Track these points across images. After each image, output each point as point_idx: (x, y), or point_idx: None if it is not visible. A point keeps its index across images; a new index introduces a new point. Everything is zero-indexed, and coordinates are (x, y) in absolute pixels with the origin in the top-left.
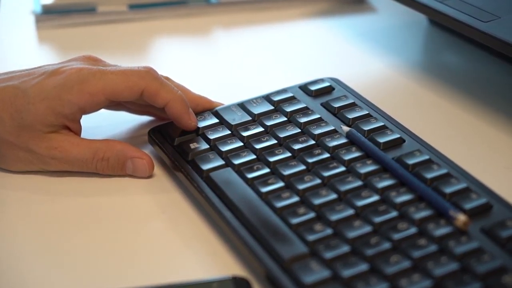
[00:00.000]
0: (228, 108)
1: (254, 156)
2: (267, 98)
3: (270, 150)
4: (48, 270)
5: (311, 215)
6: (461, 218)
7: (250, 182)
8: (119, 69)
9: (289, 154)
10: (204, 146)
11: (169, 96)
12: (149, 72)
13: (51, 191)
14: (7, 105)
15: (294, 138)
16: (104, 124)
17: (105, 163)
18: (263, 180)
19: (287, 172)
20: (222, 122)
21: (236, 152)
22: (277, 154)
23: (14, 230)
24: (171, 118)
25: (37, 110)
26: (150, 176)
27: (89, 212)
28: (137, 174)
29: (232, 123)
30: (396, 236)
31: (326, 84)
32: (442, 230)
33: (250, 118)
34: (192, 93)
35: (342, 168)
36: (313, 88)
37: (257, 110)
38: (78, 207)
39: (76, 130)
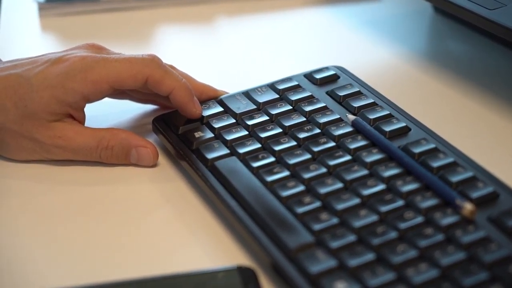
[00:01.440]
0: (233, 96)
1: (259, 145)
2: (272, 86)
3: (275, 139)
4: (52, 260)
5: (317, 204)
6: (468, 207)
7: (255, 171)
8: (123, 57)
9: (294, 143)
10: (209, 135)
11: (174, 84)
12: (154, 60)
13: (55, 180)
14: (11, 93)
15: (299, 126)
16: (108, 113)
17: (109, 151)
18: (268, 169)
19: (292, 161)
20: (227, 111)
21: (241, 141)
22: (282, 143)
23: (17, 219)
24: (175, 106)
25: (41, 98)
26: (154, 165)
27: (93, 201)
28: (141, 163)
29: (237, 112)
30: (403, 225)
31: (331, 72)
32: (448, 219)
33: (255, 107)
34: (196, 82)
35: (348, 157)
36: (318, 76)
37: (262, 98)
38: (82, 197)
39: (80, 118)
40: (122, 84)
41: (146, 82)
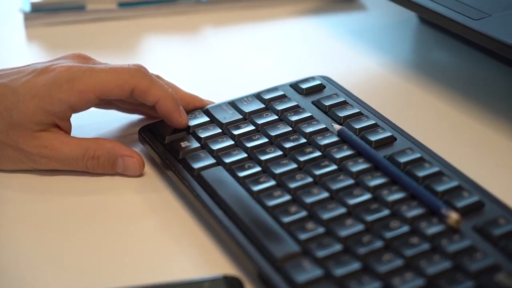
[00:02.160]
0: (219, 106)
1: (245, 155)
2: (258, 96)
3: (261, 148)
4: (39, 270)
5: (303, 213)
6: (453, 216)
7: (242, 181)
8: (109, 67)
9: (280, 153)
10: (195, 144)
11: (160, 94)
12: (140, 70)
13: (41, 190)
14: None
15: (285, 136)
16: (95, 123)
17: (95, 161)
18: (255, 178)
19: (278, 170)
20: (213, 121)
21: (227, 150)
22: (268, 153)
23: (4, 230)
24: (161, 116)
25: (27, 108)
26: (140, 174)
27: (79, 211)
28: (128, 172)
29: (223, 122)
30: (388, 234)
31: (317, 82)
32: (434, 229)
33: (241, 117)
34: (182, 92)
35: (334, 167)
36: (304, 86)
37: (248, 108)
38: (68, 207)
39: (66, 128)
40: (108, 94)
41: (132, 92)
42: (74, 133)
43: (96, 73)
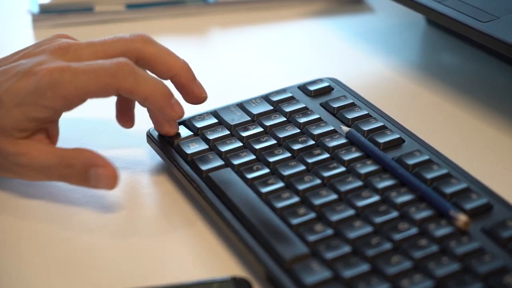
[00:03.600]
0: (227, 108)
1: (253, 157)
2: (266, 98)
3: (270, 150)
4: (41, 271)
5: (312, 215)
6: (462, 218)
7: (250, 183)
8: (91, 67)
9: (288, 155)
10: (203, 146)
11: (147, 91)
12: (122, 68)
13: (47, 188)
14: None
15: (293, 138)
16: (102, 124)
17: (70, 170)
18: (263, 180)
19: (287, 172)
20: (221, 122)
21: (235, 152)
22: (276, 155)
23: (7, 230)
24: (154, 111)
25: (10, 115)
26: (112, 188)
27: (81, 210)
28: (100, 185)
29: (231, 123)
30: (397, 236)
31: (325, 84)
32: (442, 231)
33: (249, 118)
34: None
35: (342, 169)
36: (312, 88)
37: (256, 110)
38: (70, 206)
39: (53, 132)
40: (93, 97)
41: (118, 92)
42: (79, 133)
43: (77, 76)
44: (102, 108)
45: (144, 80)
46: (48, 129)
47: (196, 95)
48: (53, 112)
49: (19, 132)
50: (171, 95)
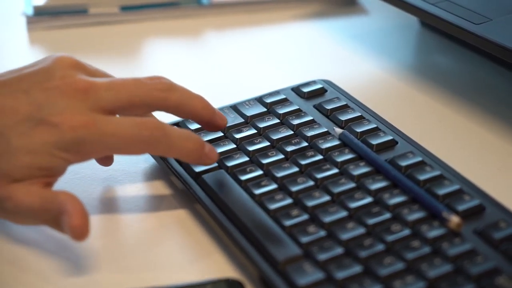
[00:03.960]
0: (221, 110)
1: (247, 158)
2: (260, 100)
3: (263, 152)
4: (36, 268)
5: (305, 217)
6: (454, 219)
7: (243, 184)
8: (121, 130)
9: (282, 156)
10: None
11: (179, 152)
12: (153, 134)
13: None
14: None
15: (287, 140)
16: None
17: (48, 214)
18: (256, 182)
19: (280, 174)
20: None
21: (229, 154)
22: (270, 156)
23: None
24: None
25: (18, 162)
26: (79, 241)
27: None
28: (69, 234)
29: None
30: (390, 238)
31: (319, 86)
32: (435, 232)
33: (242, 120)
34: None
35: (335, 170)
36: (305, 90)
37: (249, 112)
38: None
39: (55, 178)
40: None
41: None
42: None
43: (105, 138)
44: None
45: (176, 142)
46: (51, 176)
47: (219, 126)
48: (67, 165)
49: (22, 176)
50: (203, 145)
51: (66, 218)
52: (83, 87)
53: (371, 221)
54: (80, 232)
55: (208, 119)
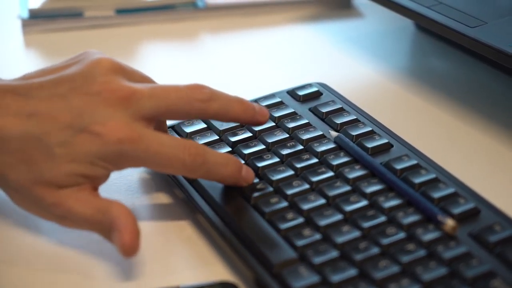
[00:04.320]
0: None
1: (242, 161)
2: (255, 103)
3: (259, 155)
4: (33, 273)
5: (300, 220)
6: (450, 223)
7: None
8: (165, 149)
9: (277, 159)
10: None
11: (217, 178)
12: (195, 160)
13: None
14: (26, 157)
15: (282, 143)
16: None
17: (100, 226)
18: (251, 185)
19: (275, 177)
20: (210, 128)
21: None
22: (265, 159)
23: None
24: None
25: (61, 170)
26: (126, 258)
27: None
28: (117, 248)
29: (220, 128)
30: (385, 241)
31: (314, 89)
32: (430, 235)
33: (238, 123)
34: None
35: (331, 173)
36: (301, 93)
37: None
38: None
39: (99, 183)
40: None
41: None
42: None
43: (148, 154)
44: None
45: (215, 168)
46: (95, 182)
47: (261, 123)
48: (110, 172)
49: (67, 184)
50: (241, 169)
51: (118, 234)
52: (126, 95)
53: (366, 224)
54: (130, 250)
55: (249, 120)
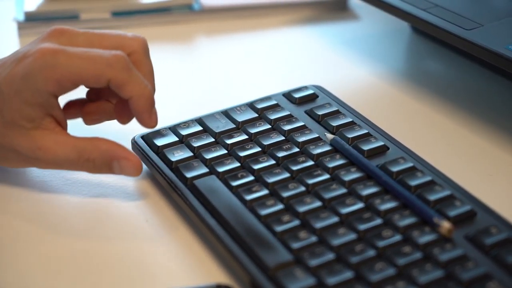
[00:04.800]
0: (212, 115)
1: (238, 164)
2: (251, 105)
3: (254, 157)
4: (25, 276)
5: (296, 222)
6: (446, 225)
7: (235, 190)
8: (87, 53)
9: (273, 162)
10: (188, 154)
11: (135, 91)
12: (119, 61)
13: (36, 196)
14: None
15: (278, 145)
16: (87, 129)
17: (91, 163)
18: (248, 187)
19: (271, 179)
20: (206, 130)
21: (220, 159)
22: (261, 162)
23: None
24: (132, 112)
25: (13, 104)
26: (137, 175)
27: (68, 218)
28: (125, 174)
29: (216, 131)
30: (381, 243)
31: (310, 91)
32: (426, 238)
33: (234, 126)
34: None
35: (327, 176)
36: (297, 95)
37: (241, 117)
38: (58, 212)
39: (59, 118)
40: (84, 83)
41: (108, 83)
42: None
43: (71, 60)
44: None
45: (136, 79)
46: (53, 115)
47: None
48: (48, 96)
49: (28, 121)
50: (154, 103)
51: (122, 163)
52: (60, 30)
53: (363, 226)
54: (139, 170)
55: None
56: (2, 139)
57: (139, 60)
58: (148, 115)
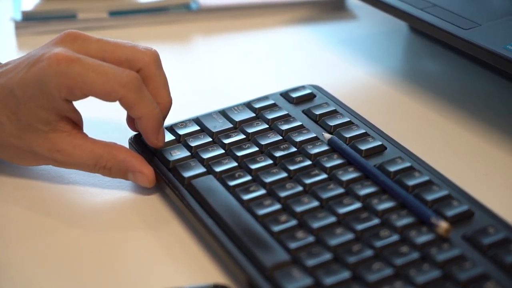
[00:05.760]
0: (209, 115)
1: (235, 164)
2: (249, 105)
3: (252, 157)
4: (25, 276)
5: (293, 222)
6: (443, 225)
7: (232, 190)
8: (102, 67)
9: (270, 162)
10: (185, 153)
11: (144, 112)
12: (132, 81)
13: (36, 201)
14: (2, 107)
15: (275, 145)
16: (87, 130)
17: (107, 171)
18: (245, 187)
19: (268, 179)
20: (203, 130)
21: (217, 159)
22: (258, 162)
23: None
24: (139, 130)
25: (28, 109)
26: (151, 186)
27: (66, 218)
28: (138, 184)
29: (214, 131)
30: (378, 243)
31: (308, 91)
32: (424, 237)
33: (231, 126)
34: None
35: (324, 176)
36: (294, 95)
37: (238, 117)
38: (56, 213)
39: (75, 119)
40: (94, 96)
41: (119, 101)
42: None
43: (86, 72)
44: (87, 114)
45: (146, 100)
46: (69, 117)
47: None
48: (61, 101)
49: (45, 125)
50: (162, 124)
51: (136, 175)
52: (74, 34)
53: (360, 226)
54: (152, 182)
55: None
56: (19, 141)
57: (152, 73)
58: (155, 136)
